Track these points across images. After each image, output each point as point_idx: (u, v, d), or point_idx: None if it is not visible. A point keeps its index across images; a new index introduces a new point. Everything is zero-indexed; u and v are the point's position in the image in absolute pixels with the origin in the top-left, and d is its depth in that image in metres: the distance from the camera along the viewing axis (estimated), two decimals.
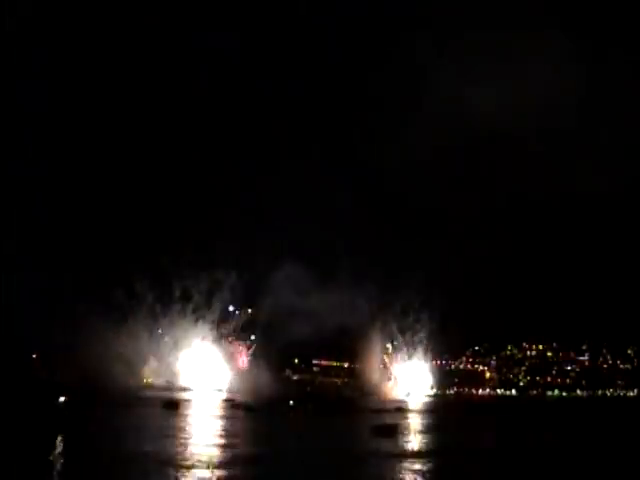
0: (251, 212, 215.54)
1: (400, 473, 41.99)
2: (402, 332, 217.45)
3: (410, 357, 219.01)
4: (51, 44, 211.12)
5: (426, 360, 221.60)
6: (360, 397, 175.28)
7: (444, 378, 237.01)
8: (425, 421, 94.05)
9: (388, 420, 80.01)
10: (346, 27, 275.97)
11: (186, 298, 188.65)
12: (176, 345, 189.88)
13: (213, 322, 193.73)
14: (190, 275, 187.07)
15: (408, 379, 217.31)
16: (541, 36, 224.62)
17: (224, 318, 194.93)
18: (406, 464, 45.01)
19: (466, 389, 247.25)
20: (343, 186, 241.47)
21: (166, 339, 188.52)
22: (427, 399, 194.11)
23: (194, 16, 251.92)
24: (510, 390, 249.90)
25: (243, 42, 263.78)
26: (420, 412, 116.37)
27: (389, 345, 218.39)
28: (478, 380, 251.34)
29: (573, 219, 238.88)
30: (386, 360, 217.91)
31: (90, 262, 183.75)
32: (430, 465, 45.20)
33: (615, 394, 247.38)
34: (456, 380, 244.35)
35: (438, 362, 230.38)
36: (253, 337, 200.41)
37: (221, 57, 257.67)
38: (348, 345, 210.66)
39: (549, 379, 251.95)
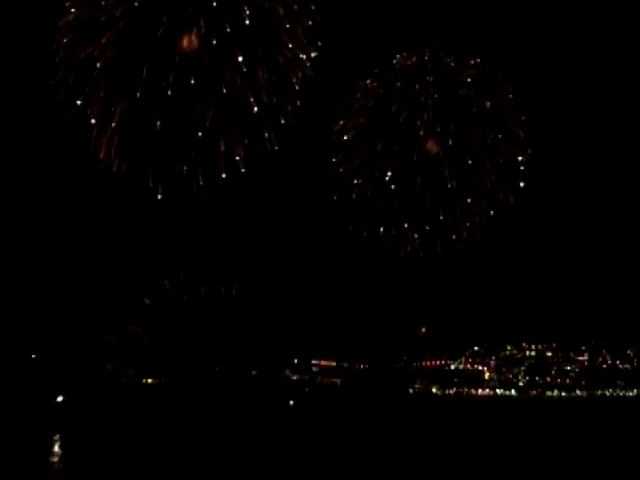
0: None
1: None
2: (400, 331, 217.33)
3: (407, 356, 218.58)
4: None
5: (424, 360, 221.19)
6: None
7: (443, 377, 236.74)
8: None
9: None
10: None
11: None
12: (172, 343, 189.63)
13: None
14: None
15: (406, 378, 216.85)
16: None
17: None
18: None
19: (465, 389, 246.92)
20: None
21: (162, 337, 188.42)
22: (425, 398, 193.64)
23: None
24: (509, 390, 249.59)
25: None
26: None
27: (386, 344, 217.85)
28: (477, 380, 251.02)
29: (573, 218, 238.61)
30: (382, 359, 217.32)
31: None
32: None
33: (615, 394, 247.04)
34: (455, 380, 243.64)
35: (436, 362, 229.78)
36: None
37: None
38: (343, 344, 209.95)
39: (549, 379, 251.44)
